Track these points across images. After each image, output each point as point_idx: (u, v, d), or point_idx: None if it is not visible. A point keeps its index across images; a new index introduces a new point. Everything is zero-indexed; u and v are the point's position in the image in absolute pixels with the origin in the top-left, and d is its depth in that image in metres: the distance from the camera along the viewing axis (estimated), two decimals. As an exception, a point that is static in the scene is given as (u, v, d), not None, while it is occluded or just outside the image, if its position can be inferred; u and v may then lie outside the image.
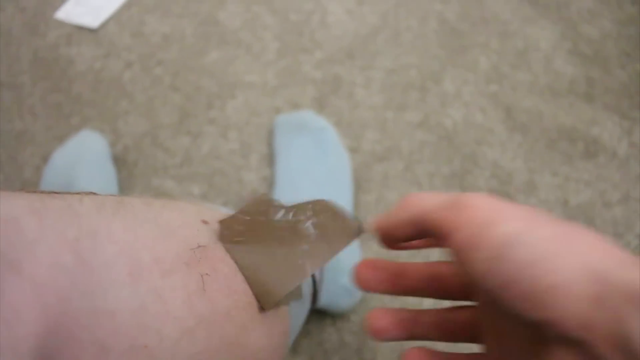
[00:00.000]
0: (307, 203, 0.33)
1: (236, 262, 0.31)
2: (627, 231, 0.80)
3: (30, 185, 0.83)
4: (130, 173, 0.83)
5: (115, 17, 1.01)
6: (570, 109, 0.91)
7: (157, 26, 1.00)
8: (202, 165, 0.84)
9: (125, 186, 0.82)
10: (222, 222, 0.32)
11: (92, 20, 1.00)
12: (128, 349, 0.26)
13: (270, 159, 0.84)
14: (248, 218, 0.32)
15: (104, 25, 1.00)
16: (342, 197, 0.77)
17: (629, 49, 0.99)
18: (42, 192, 0.27)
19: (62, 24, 1.01)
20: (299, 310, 0.53)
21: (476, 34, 1.00)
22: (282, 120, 0.85)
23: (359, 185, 0.82)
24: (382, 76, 0.93)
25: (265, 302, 0.32)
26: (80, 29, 1.00)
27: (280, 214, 0.32)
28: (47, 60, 0.96)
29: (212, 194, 0.81)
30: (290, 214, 0.33)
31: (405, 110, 0.90)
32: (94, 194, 0.30)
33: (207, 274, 0.30)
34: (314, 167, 0.78)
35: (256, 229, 0.32)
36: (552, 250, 0.22)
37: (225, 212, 0.37)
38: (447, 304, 0.32)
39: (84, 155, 0.79)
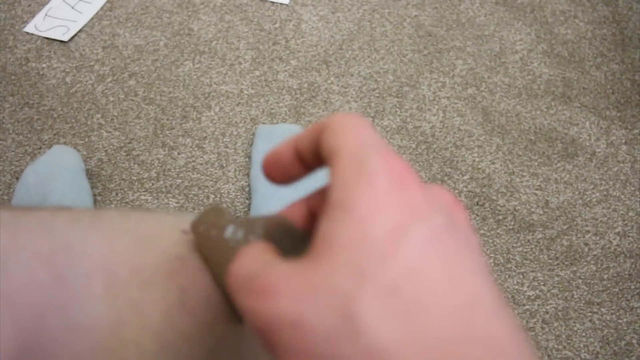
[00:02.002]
0: (259, 219, 0.30)
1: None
2: (608, 230, 0.80)
3: (0, 203, 0.80)
4: (105, 187, 0.81)
5: (86, 30, 1.00)
6: (548, 110, 0.91)
7: (129, 38, 0.98)
8: (179, 177, 0.82)
9: (100, 201, 0.80)
10: (185, 232, 0.31)
11: (63, 33, 0.99)
12: None
13: (247, 169, 0.83)
14: (203, 229, 0.30)
15: (75, 38, 0.98)
16: (321, 205, 0.76)
17: (604, 49, 1.00)
18: (14, 207, 0.26)
19: (31, 37, 0.99)
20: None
21: (452, 38, 1.00)
22: (265, 129, 0.84)
23: (339, 193, 0.81)
24: (359, 82, 0.93)
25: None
26: (51, 42, 0.98)
27: (230, 230, 0.30)
28: (17, 74, 0.94)
29: (190, 207, 0.80)
30: (240, 232, 0.30)
31: (383, 116, 0.89)
32: (69, 208, 0.29)
33: (186, 286, 0.29)
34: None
35: (210, 242, 0.30)
36: None
37: None
38: None
39: (57, 171, 0.78)
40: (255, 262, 0.21)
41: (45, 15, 1.02)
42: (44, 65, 0.95)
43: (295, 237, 0.29)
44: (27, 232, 0.25)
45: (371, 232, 0.19)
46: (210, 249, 0.30)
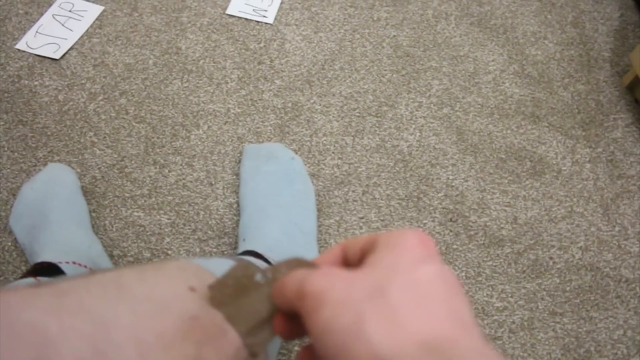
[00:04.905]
0: (281, 263, 0.37)
1: (228, 320, 0.36)
2: (571, 244, 0.86)
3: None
4: (99, 204, 0.85)
5: (77, 48, 1.03)
6: (518, 129, 0.97)
7: (119, 56, 1.02)
8: (170, 194, 0.87)
9: (95, 217, 0.84)
10: (211, 288, 0.37)
11: (54, 51, 1.02)
12: None
13: (235, 186, 0.87)
14: (232, 282, 0.36)
15: (66, 55, 1.02)
16: (306, 222, 0.81)
17: (571, 70, 1.06)
18: (54, 288, 0.32)
19: (23, 54, 1.02)
20: (273, 345, 0.58)
21: (429, 59, 1.05)
22: (251, 148, 0.89)
23: (321, 209, 0.86)
24: (340, 102, 0.98)
25: (256, 350, 0.36)
26: (42, 59, 1.01)
27: (259, 276, 0.36)
28: (10, 92, 0.97)
29: (180, 223, 0.84)
30: (268, 273, 0.37)
31: (363, 135, 0.94)
32: (94, 272, 0.35)
33: (201, 340, 0.35)
34: (281, 192, 0.82)
35: (241, 289, 0.36)
36: (347, 341, 0.27)
37: (205, 266, 0.41)
38: None
39: (55, 189, 0.81)
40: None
41: (36, 32, 1.05)
42: (36, 82, 0.98)
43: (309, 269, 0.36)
44: (70, 315, 0.30)
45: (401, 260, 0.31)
46: (241, 296, 0.36)
